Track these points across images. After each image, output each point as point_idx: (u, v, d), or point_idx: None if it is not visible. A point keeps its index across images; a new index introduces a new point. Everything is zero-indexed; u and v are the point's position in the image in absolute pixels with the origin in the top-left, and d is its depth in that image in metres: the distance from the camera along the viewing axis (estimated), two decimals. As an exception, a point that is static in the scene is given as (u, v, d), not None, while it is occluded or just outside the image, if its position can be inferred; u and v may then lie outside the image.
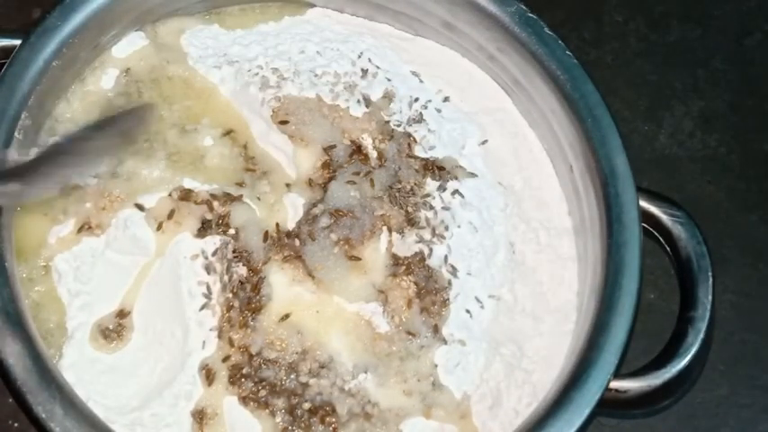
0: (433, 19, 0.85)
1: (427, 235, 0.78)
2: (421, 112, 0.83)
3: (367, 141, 0.81)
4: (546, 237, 0.81)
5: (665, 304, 0.83)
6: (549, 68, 0.80)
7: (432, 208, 0.79)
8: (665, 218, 0.76)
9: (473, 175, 0.81)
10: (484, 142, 0.83)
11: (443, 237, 0.78)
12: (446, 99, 0.84)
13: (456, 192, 0.80)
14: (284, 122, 0.81)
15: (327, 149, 0.80)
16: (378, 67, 0.84)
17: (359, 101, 0.82)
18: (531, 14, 0.81)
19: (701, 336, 0.72)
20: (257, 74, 0.82)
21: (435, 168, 0.81)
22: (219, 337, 0.73)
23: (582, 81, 0.79)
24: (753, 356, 0.84)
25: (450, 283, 0.77)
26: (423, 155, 0.81)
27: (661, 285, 0.84)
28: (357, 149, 0.81)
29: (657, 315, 0.81)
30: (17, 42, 0.76)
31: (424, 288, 0.76)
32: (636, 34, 0.97)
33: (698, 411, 0.82)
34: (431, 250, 0.77)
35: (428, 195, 0.80)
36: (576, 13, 0.96)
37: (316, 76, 0.83)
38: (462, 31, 0.84)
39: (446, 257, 0.77)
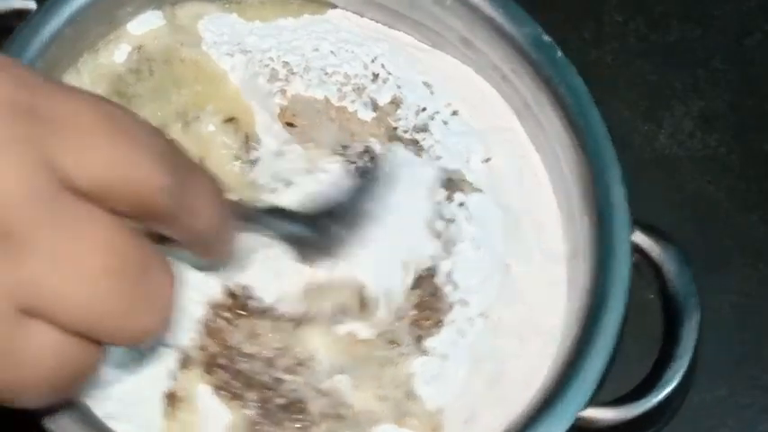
0: (452, 33, 0.85)
1: (435, 248, 0.78)
2: (427, 123, 0.83)
3: (376, 147, 0.81)
4: (540, 260, 0.80)
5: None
6: (558, 94, 0.79)
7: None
8: (655, 252, 0.76)
9: (477, 190, 0.81)
10: (487, 160, 0.83)
11: (449, 252, 0.78)
12: (455, 113, 0.84)
13: (462, 204, 0.80)
14: (291, 125, 0.81)
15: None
16: (389, 74, 0.84)
17: (366, 104, 0.82)
18: (545, 37, 0.80)
19: (683, 371, 0.71)
20: (267, 65, 0.82)
21: (442, 178, 0.81)
22: (201, 330, 0.72)
23: (589, 109, 0.78)
24: (753, 356, 0.83)
25: (450, 301, 0.76)
26: (430, 163, 0.81)
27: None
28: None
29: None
30: (33, 6, 0.76)
31: (426, 304, 0.76)
32: (636, 34, 0.96)
33: (697, 411, 0.80)
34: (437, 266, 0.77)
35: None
36: (575, 14, 0.96)
37: (326, 74, 0.83)
38: (479, 48, 0.84)
39: (449, 273, 0.77)
